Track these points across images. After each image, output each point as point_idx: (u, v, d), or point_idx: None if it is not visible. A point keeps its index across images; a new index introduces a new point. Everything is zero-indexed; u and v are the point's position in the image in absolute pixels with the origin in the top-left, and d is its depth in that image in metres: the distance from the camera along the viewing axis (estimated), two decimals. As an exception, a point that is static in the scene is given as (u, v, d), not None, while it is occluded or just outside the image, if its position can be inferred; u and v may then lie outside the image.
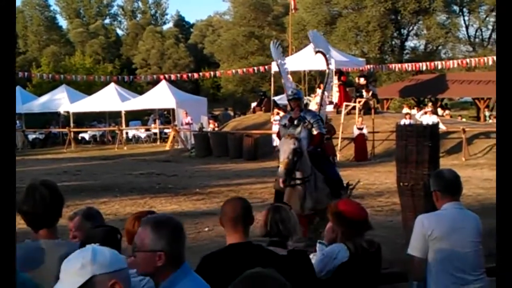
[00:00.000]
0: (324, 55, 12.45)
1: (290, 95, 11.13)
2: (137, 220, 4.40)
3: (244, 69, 44.76)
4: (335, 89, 31.36)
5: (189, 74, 47.79)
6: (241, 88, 62.08)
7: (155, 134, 40.19)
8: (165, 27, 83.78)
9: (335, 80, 31.78)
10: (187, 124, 34.69)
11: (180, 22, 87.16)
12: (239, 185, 19.23)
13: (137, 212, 4.73)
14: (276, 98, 34.51)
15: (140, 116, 45.14)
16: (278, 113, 29.67)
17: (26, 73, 47.59)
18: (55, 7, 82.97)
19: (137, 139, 40.13)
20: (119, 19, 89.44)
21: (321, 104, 11.89)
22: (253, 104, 39.00)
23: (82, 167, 25.97)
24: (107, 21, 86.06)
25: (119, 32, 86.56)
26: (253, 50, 62.43)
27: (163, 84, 40.09)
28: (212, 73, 48.21)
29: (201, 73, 48.48)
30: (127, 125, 40.79)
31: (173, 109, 39.05)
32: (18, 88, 43.31)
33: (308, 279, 4.29)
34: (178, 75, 48.53)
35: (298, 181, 9.55)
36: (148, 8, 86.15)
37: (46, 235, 3.78)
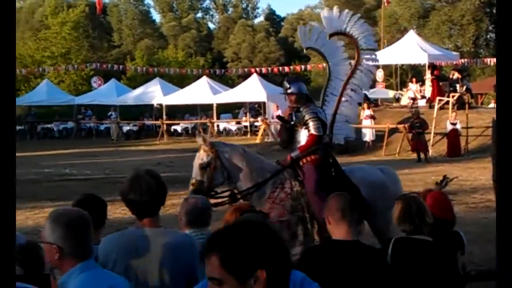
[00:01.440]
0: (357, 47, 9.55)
1: (283, 88, 8.96)
2: (237, 212, 4.50)
3: (335, 63, 44.53)
4: (428, 83, 30.86)
5: (280, 68, 47.93)
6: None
7: (245, 127, 40.52)
8: (256, 21, 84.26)
9: (428, 75, 31.32)
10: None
11: (271, 16, 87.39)
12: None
13: (237, 204, 4.83)
14: (367, 92, 34.23)
15: (231, 109, 45.57)
16: (369, 107, 29.45)
17: (121, 66, 48.86)
18: (149, 1, 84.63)
19: (227, 132, 40.57)
20: (211, 13, 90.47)
21: (338, 102, 9.16)
22: (344, 98, 38.78)
23: (174, 159, 26.44)
24: (199, 15, 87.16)
25: (211, 25, 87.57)
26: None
27: (254, 78, 40.34)
28: (302, 66, 48.20)
29: (291, 67, 48.52)
30: (218, 118, 41.27)
31: (263, 102, 39.28)
32: (113, 80, 44.59)
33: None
34: (269, 68, 48.77)
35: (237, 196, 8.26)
36: (240, 1, 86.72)
37: (150, 223, 3.87)
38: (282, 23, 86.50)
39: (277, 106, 35.37)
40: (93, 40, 63.18)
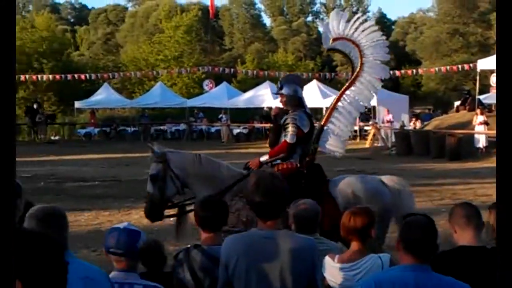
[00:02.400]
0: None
1: (277, 87, 8.56)
2: (352, 215, 4.50)
3: (447, 67, 43.63)
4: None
5: (391, 72, 47.28)
6: (443, 86, 60.55)
7: (355, 131, 40.20)
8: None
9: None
10: (388, 122, 34.44)
11: (382, 19, 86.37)
12: (441, 185, 18.82)
13: (354, 207, 4.82)
14: (481, 97, 33.35)
15: (340, 113, 45.33)
16: (482, 113, 28.64)
17: (232, 69, 49.56)
18: (260, 5, 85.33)
19: (337, 136, 40.38)
20: (321, 16, 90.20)
21: (329, 114, 8.57)
22: (456, 103, 37.98)
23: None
24: (309, 18, 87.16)
25: (321, 29, 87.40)
26: (457, 48, 60.68)
27: (364, 82, 39.98)
28: (414, 70, 47.44)
29: (402, 71, 47.84)
30: (327, 121, 41.13)
31: (374, 107, 38.90)
32: (224, 83, 45.21)
33: None
34: (380, 72, 48.18)
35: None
36: (350, 5, 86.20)
37: (273, 225, 3.93)
38: (393, 27, 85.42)
39: (388, 111, 34.98)
40: (205, 44, 64.31)
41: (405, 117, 36.51)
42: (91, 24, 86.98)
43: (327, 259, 4.51)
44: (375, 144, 33.32)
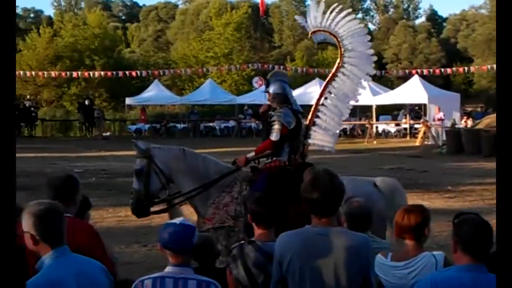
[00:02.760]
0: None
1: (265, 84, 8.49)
2: (406, 213, 4.46)
3: (501, 65, 42.92)
4: None
5: (442, 69, 46.76)
6: (496, 84, 59.69)
7: (405, 129, 39.89)
8: (417, 22, 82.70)
9: None
10: (439, 120, 34.04)
11: (433, 16, 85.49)
12: (493, 184, 18.48)
13: (408, 205, 4.79)
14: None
15: (390, 111, 45.00)
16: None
17: (281, 67, 49.49)
18: (310, 3, 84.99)
19: (386, 134, 40.11)
20: (371, 13, 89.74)
21: (314, 109, 8.35)
22: (509, 101, 37.33)
23: (333, 159, 26.46)
24: (359, 15, 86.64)
25: (371, 26, 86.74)
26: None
27: (416, 79, 39.57)
28: (465, 68, 46.79)
29: (454, 68, 47.24)
30: (377, 119, 40.88)
31: (424, 105, 38.48)
32: (273, 81, 45.08)
33: None
34: (430, 70, 47.69)
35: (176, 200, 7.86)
36: (401, 2, 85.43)
37: (328, 223, 3.93)
38: (444, 24, 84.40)
39: (439, 108, 34.57)
40: (255, 41, 64.43)
41: (456, 115, 36.04)
42: (142, 22, 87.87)
43: (380, 257, 4.50)
44: (426, 143, 32.97)
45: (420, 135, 34.26)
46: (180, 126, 44.25)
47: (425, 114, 38.29)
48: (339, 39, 8.30)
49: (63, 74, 45.66)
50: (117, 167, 22.82)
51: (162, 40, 80.00)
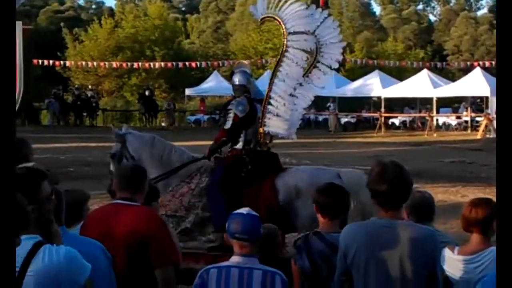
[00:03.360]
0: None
1: None
2: (473, 206, 4.40)
3: None
4: None
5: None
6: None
7: (466, 122, 39.27)
8: (479, 13, 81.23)
9: None
10: (501, 113, 33.40)
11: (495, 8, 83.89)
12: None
13: (474, 198, 4.72)
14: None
15: (450, 103, 44.35)
16: None
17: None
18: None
19: (447, 127, 39.57)
20: (432, 4, 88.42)
21: (266, 95, 8.14)
22: None
23: (392, 152, 26.27)
24: (419, 7, 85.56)
25: (432, 18, 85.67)
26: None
27: (477, 71, 38.87)
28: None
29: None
30: (437, 112, 40.33)
31: (486, 97, 37.79)
32: (332, 72, 44.89)
33: None
34: (492, 62, 46.76)
35: None
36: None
37: (394, 215, 3.90)
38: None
39: (502, 101, 33.92)
40: (314, 32, 64.11)
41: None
42: (201, 13, 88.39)
43: (447, 250, 4.44)
44: (487, 136, 32.37)
45: (482, 128, 33.68)
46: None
47: (487, 107, 37.62)
48: (282, 24, 8.24)
49: (124, 64, 46.29)
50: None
51: (221, 31, 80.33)
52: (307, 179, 7.57)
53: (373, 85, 41.58)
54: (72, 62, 47.96)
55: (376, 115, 40.12)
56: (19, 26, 6.16)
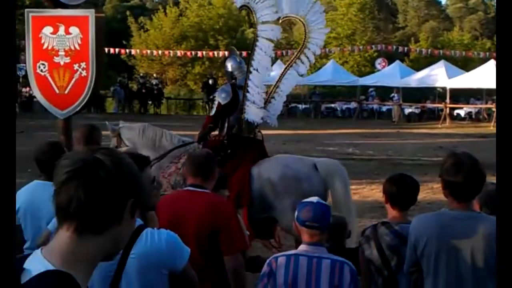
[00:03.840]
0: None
1: None
2: None
3: None
4: None
5: None
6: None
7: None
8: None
9: None
10: None
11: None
12: None
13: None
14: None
15: (518, 94, 43.39)
16: None
17: (405, 48, 48.69)
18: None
19: (514, 118, 38.76)
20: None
21: (245, 83, 8.55)
22: None
23: (457, 143, 25.85)
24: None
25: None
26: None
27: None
28: None
29: None
30: (504, 103, 39.47)
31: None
32: (397, 62, 44.43)
33: None
34: None
35: None
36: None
37: (466, 207, 3.86)
38: None
39: None
40: (378, 22, 63.54)
41: None
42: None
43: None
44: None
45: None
46: (301, 107, 44.33)
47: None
48: (253, 13, 8.48)
49: (188, 53, 46.63)
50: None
51: (285, 20, 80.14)
52: (280, 172, 7.67)
53: (438, 76, 40.92)
54: (138, 51, 48.56)
55: (441, 106, 39.49)
56: (91, 14, 6.28)
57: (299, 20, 8.77)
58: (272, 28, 8.45)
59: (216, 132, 8.49)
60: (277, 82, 8.75)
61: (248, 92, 8.33)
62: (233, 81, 8.54)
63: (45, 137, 20.67)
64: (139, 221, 3.51)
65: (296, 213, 4.11)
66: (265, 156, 8.15)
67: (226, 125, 8.35)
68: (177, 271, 3.58)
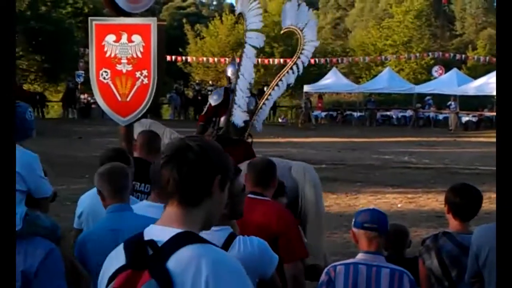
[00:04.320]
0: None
1: None
2: None
3: None
4: None
5: None
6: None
7: None
8: None
9: None
10: None
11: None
12: None
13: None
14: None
15: None
16: None
17: (462, 56, 48.03)
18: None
19: None
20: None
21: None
22: None
23: None
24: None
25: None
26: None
27: None
28: None
29: None
30: None
31: None
32: (454, 70, 43.83)
33: None
34: None
35: None
36: None
37: None
38: None
39: None
40: (435, 29, 62.87)
41: None
42: (320, 9, 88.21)
43: None
44: None
45: None
46: (356, 114, 44.12)
47: None
48: (244, 20, 9.16)
49: (244, 60, 46.81)
50: (295, 153, 23.20)
51: (340, 27, 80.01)
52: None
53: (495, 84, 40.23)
54: (194, 58, 48.98)
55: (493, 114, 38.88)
56: (154, 22, 6.39)
57: (297, 32, 9.19)
58: (257, 36, 9.02)
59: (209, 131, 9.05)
60: (269, 89, 9.35)
61: (236, 96, 8.84)
62: (229, 85, 9.18)
63: (102, 143, 21.09)
64: (229, 229, 3.57)
65: (353, 220, 4.12)
66: (253, 157, 8.23)
67: (216, 125, 9.01)
68: (266, 278, 3.62)
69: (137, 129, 8.88)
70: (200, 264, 2.20)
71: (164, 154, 2.36)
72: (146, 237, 2.34)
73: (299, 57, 9.16)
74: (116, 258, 2.37)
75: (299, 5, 9.27)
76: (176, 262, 2.21)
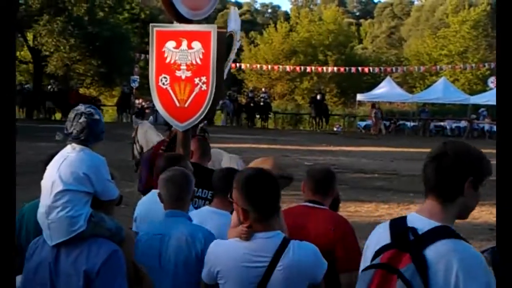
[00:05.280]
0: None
1: None
2: None
3: None
4: None
5: None
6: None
7: None
8: None
9: None
10: None
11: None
12: None
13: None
14: None
15: None
16: None
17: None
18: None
19: None
20: None
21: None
22: None
23: None
24: None
25: None
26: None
27: None
28: None
29: None
30: None
31: None
32: (511, 81, 43.11)
33: None
34: None
35: None
36: None
37: None
38: None
39: None
40: (492, 39, 62.01)
41: None
42: (376, 18, 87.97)
43: None
44: None
45: None
46: (409, 124, 43.75)
47: None
48: (234, 39, 9.11)
49: (297, 68, 46.89)
50: (346, 162, 23.10)
51: (395, 36, 79.52)
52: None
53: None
54: (247, 65, 49.23)
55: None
56: (214, 29, 6.46)
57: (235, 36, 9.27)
58: (238, 40, 9.26)
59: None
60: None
61: None
62: None
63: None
64: (280, 234, 3.62)
65: None
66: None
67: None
68: (316, 283, 3.66)
69: (141, 129, 10.09)
70: (453, 257, 2.63)
71: (428, 155, 2.87)
72: (409, 224, 2.80)
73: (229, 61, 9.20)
74: (382, 234, 2.88)
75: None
76: (433, 252, 2.64)
